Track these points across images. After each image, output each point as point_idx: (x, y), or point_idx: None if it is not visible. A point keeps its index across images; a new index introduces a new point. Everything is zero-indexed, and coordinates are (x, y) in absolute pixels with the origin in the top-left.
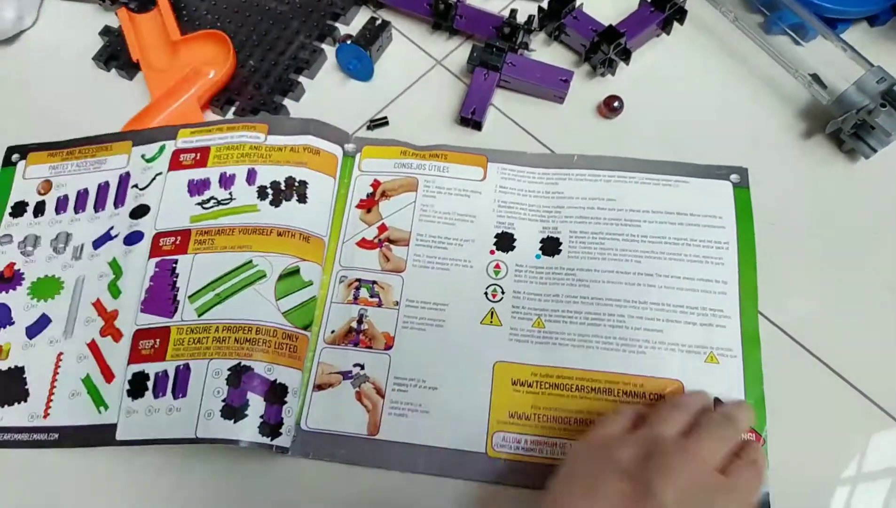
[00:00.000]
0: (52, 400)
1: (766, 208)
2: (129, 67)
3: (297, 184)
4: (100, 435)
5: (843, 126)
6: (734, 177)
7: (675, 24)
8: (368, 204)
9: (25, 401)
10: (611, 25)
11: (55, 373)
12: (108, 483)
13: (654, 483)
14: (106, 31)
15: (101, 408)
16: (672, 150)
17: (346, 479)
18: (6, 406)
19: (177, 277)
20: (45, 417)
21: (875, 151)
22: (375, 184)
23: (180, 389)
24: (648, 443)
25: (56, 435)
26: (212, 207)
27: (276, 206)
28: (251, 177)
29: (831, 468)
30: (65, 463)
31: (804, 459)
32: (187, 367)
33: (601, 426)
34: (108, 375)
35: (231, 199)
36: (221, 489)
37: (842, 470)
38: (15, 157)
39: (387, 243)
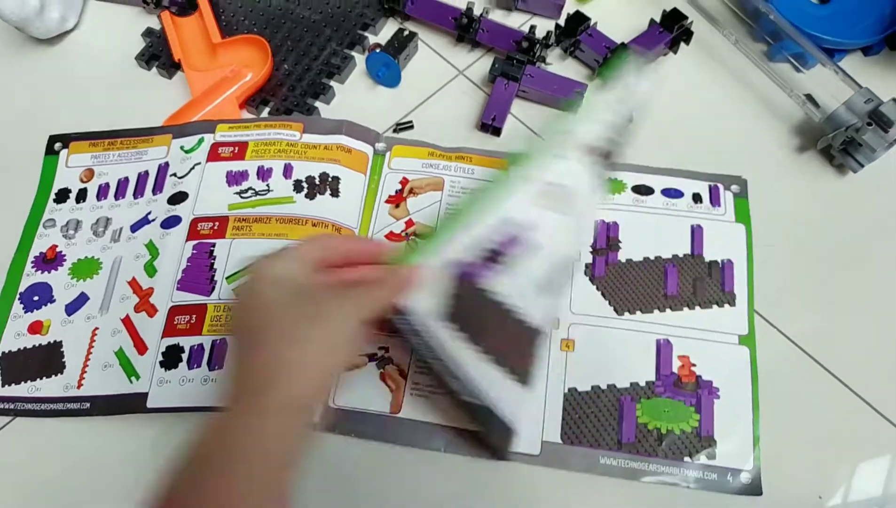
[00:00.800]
0: (85, 372)
1: (763, 216)
2: (170, 67)
3: (330, 179)
4: (130, 404)
5: (833, 142)
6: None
7: (682, 44)
8: (397, 200)
9: (62, 373)
10: (623, 43)
11: (90, 347)
12: (137, 450)
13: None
14: (148, 33)
15: (133, 378)
16: (674, 160)
17: (369, 455)
18: (44, 378)
19: (214, 259)
20: (78, 387)
21: (862, 165)
22: (404, 181)
23: (216, 361)
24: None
25: (88, 404)
26: (250, 196)
27: (311, 199)
28: (287, 171)
29: (825, 468)
30: (96, 430)
31: (798, 461)
32: (224, 342)
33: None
34: (142, 347)
35: (269, 190)
36: None
37: (836, 470)
38: (57, 145)
39: (413, 237)
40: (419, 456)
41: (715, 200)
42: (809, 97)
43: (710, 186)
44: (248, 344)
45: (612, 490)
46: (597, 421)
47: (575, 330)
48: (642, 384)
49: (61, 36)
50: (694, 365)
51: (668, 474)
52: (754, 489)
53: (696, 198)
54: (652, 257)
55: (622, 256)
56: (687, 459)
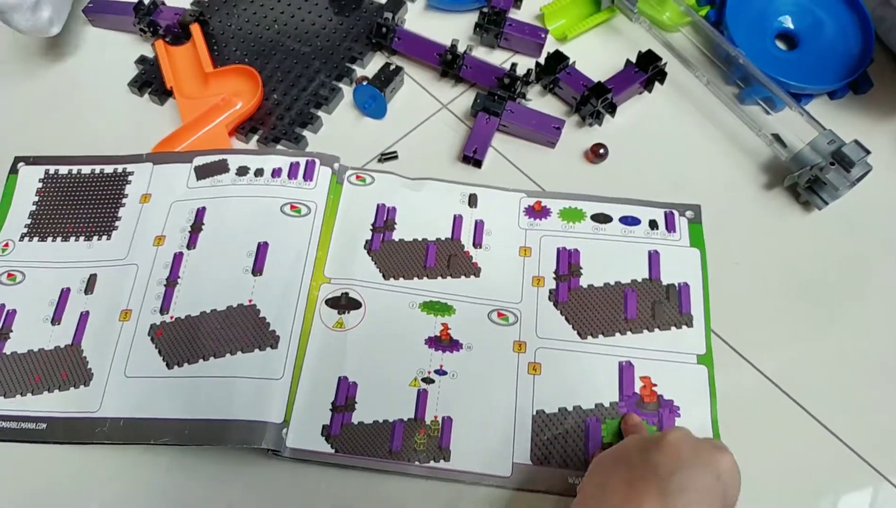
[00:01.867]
0: None
1: (730, 248)
2: (162, 94)
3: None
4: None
5: (798, 180)
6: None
7: (657, 83)
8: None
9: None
10: (599, 82)
11: None
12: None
13: (650, 457)
14: (142, 60)
15: None
16: (643, 193)
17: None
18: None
19: None
20: None
21: (827, 203)
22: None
23: None
24: (640, 438)
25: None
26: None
27: None
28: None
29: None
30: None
31: (754, 482)
32: None
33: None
34: None
35: None
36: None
37: (792, 490)
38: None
39: None
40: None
41: (670, 226)
42: (777, 137)
43: (665, 213)
44: None
45: None
46: (564, 442)
47: (541, 354)
48: (606, 404)
49: (57, 59)
50: (655, 385)
51: None
52: None
53: (653, 225)
54: (612, 283)
55: (584, 281)
56: None
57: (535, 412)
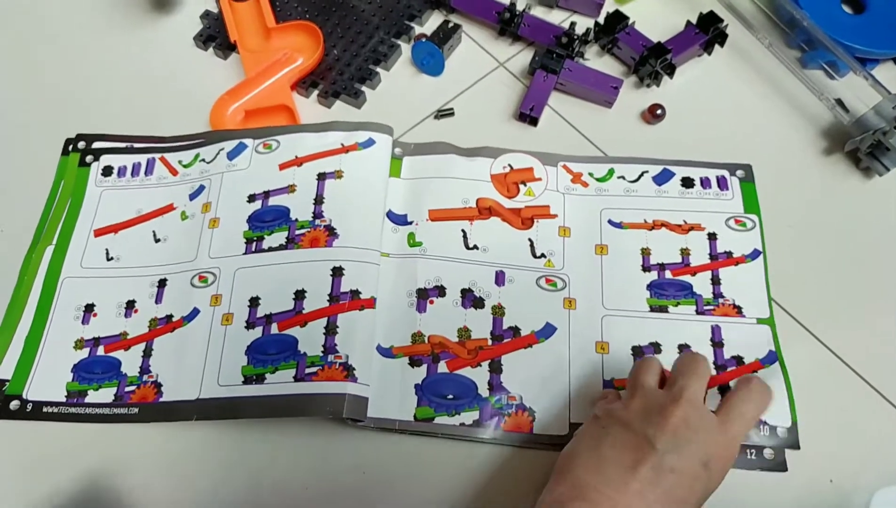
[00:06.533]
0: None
1: (787, 212)
2: (226, 48)
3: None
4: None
5: (860, 145)
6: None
7: (717, 46)
8: None
9: None
10: (659, 42)
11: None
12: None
13: (649, 432)
14: (206, 15)
15: None
16: (703, 154)
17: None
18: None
19: None
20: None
21: (888, 169)
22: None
23: None
24: (644, 401)
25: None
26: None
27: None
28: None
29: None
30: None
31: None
32: None
33: (604, 400)
34: None
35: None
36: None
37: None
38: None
39: None
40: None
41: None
42: (839, 101)
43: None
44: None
45: None
46: None
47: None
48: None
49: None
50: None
51: None
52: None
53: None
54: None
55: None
56: None
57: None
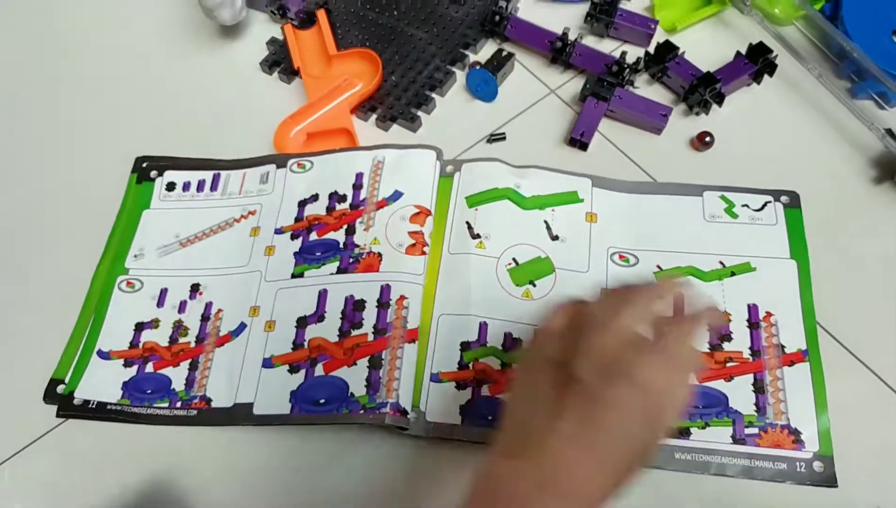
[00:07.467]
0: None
1: (836, 238)
2: (290, 73)
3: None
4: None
5: None
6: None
7: (766, 76)
8: None
9: None
10: (708, 72)
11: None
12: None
13: (573, 364)
14: (272, 42)
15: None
16: (751, 182)
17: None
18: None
19: None
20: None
21: None
22: None
23: None
24: (574, 330)
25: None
26: None
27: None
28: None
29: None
30: None
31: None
32: None
33: (534, 333)
34: None
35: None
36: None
37: None
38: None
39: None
40: None
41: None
42: (890, 131)
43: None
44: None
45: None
46: None
47: None
48: None
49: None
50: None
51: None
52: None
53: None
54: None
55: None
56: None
57: None
